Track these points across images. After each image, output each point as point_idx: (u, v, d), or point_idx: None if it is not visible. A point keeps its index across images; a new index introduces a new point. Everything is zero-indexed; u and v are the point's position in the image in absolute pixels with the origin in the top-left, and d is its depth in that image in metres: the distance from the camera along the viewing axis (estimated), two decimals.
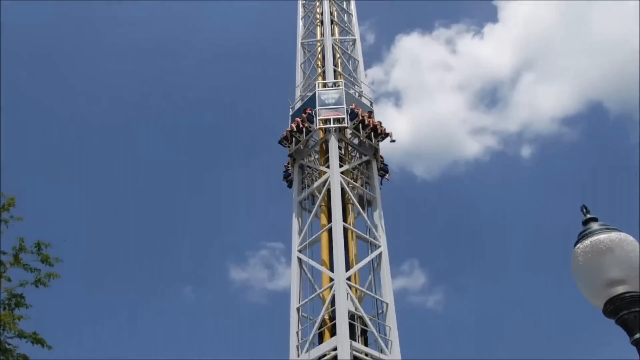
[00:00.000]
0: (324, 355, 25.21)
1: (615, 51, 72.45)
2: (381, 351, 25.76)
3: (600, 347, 52.47)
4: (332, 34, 37.77)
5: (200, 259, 75.03)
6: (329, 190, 29.90)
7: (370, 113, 32.83)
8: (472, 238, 71.36)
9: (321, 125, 31.37)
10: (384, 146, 32.98)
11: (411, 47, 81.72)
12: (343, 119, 31.26)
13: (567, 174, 73.23)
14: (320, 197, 30.39)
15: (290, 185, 32.51)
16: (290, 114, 33.67)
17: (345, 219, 29.30)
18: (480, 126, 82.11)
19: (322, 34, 37.95)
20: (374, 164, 32.52)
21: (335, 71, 35.03)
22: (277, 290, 64.14)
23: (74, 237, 65.80)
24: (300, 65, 37.22)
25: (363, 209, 30.78)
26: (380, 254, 28.98)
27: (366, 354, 25.30)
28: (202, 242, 76.37)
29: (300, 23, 39.80)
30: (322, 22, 38.53)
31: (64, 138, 73.56)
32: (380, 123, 32.52)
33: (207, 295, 73.75)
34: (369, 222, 30.38)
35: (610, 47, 72.84)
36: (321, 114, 31.45)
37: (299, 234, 30.08)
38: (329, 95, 32.31)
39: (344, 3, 40.67)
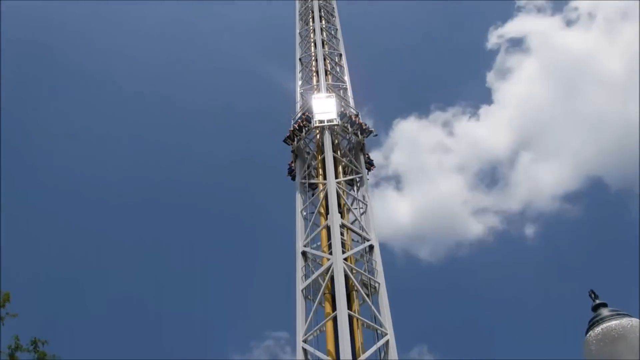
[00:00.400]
0: None
1: (610, 125, 73.67)
2: None
3: None
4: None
5: (203, 350, 73.19)
6: (332, 278, 29.55)
7: (357, 115, 39.28)
8: (481, 321, 69.92)
9: (317, 125, 37.48)
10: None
11: (409, 131, 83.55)
12: (335, 119, 37.63)
13: (572, 252, 72.73)
14: (323, 284, 30.00)
15: (293, 178, 37.49)
16: (292, 123, 39.11)
17: (350, 307, 28.77)
18: (482, 206, 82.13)
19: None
20: (377, 249, 32.36)
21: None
22: None
23: (73, 330, 64.56)
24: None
25: (368, 295, 30.29)
26: (387, 342, 28.26)
27: None
28: (205, 333, 74.79)
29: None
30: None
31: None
32: (365, 123, 38.93)
33: None
34: (374, 309, 29.82)
35: (605, 121, 74.14)
36: (317, 117, 37.83)
37: (304, 323, 29.47)
38: (323, 103, 39.04)
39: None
